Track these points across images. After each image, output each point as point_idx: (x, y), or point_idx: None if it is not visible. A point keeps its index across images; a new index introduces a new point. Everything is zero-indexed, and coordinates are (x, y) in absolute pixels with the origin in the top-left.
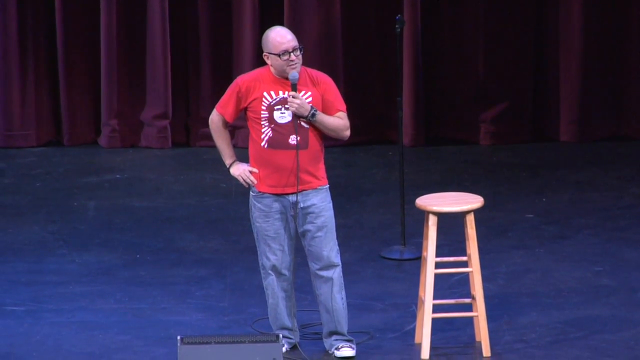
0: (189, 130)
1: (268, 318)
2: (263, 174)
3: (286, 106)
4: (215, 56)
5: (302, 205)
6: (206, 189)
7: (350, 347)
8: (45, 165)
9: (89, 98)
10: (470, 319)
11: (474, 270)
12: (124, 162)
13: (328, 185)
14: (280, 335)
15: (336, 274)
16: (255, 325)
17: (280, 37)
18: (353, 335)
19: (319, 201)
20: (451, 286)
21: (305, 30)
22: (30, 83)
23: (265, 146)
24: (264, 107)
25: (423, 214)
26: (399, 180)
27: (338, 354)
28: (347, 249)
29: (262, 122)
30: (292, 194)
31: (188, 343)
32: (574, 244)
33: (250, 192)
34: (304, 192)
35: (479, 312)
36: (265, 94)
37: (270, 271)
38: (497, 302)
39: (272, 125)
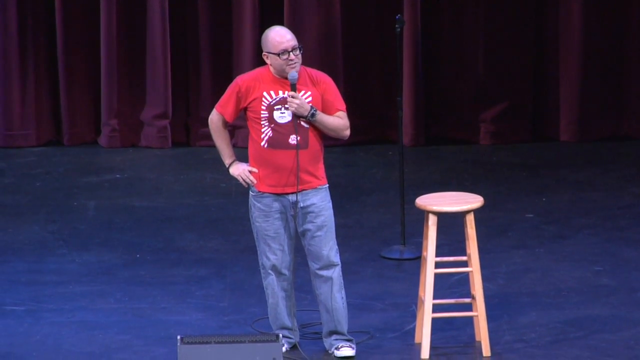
0: (189, 130)
1: (268, 318)
2: (263, 174)
3: (286, 106)
4: (215, 56)
5: (301, 205)
6: (206, 189)
7: (350, 346)
8: (45, 165)
9: (89, 98)
10: (470, 318)
11: (474, 270)
12: (124, 161)
13: (328, 185)
14: (280, 335)
15: (336, 273)
16: (255, 325)
17: (279, 36)
18: (353, 335)
19: (319, 200)
20: (451, 286)
21: (305, 30)
22: (30, 83)
23: (265, 146)
24: (263, 107)
25: (423, 214)
26: (399, 180)
27: (338, 353)
28: (347, 249)
29: (262, 122)
30: (292, 193)
31: (188, 343)
32: (573, 244)
33: (250, 192)
34: (304, 191)
35: (479, 312)
36: (265, 93)
37: (270, 271)
38: (497, 302)
39: (272, 125)
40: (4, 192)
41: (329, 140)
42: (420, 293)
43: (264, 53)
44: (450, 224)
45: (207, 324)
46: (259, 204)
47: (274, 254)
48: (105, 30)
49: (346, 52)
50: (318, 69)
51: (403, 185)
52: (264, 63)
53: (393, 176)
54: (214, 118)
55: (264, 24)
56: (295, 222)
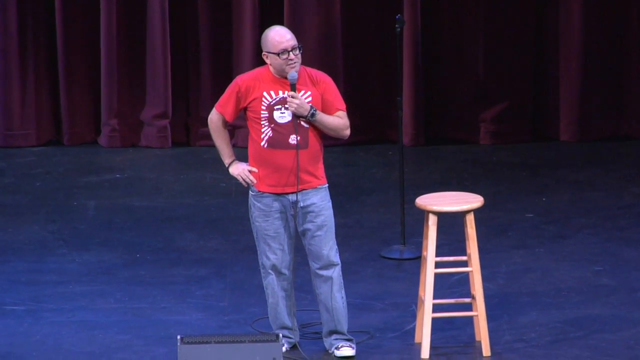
0: (189, 129)
1: (268, 317)
2: (263, 174)
3: (286, 106)
4: (215, 56)
5: (301, 205)
6: (206, 189)
7: (350, 346)
8: (45, 164)
9: (89, 98)
10: (470, 318)
11: (474, 269)
12: (124, 161)
13: (327, 185)
14: (280, 335)
15: (336, 273)
16: (255, 324)
17: (279, 36)
18: (353, 335)
19: (319, 200)
20: (451, 286)
21: (305, 30)
22: (30, 83)
23: (265, 146)
24: (263, 107)
25: (423, 214)
26: (399, 179)
27: (338, 353)
28: (347, 249)
29: (262, 122)
30: (292, 193)
31: (188, 342)
32: (573, 244)
33: (250, 192)
34: (304, 191)
35: (479, 312)
36: (265, 93)
37: (270, 270)
38: (497, 302)
39: (272, 125)
40: (4, 192)
41: (328, 140)
42: (420, 293)
43: (263, 53)
44: (450, 223)
45: (207, 324)
46: (258, 204)
47: (274, 253)
48: (105, 30)
49: (346, 52)
50: (318, 69)
51: (403, 185)
52: (264, 63)
53: (393, 176)
54: (214, 118)
55: (264, 24)
56: (295, 222)
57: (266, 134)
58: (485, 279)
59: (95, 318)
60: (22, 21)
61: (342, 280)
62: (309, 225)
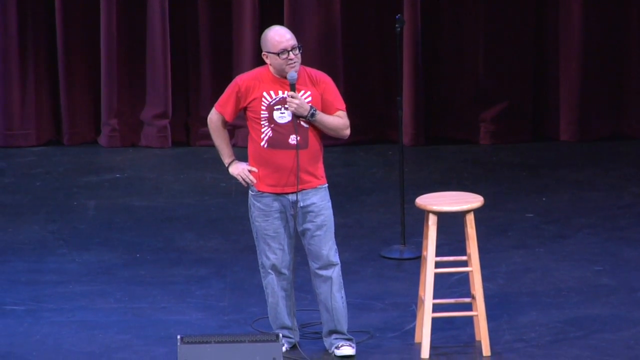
0: (189, 129)
1: (268, 317)
2: (263, 174)
3: (286, 106)
4: (215, 56)
5: (301, 205)
6: (206, 189)
7: (350, 345)
8: (45, 164)
9: (89, 98)
10: (470, 318)
11: (474, 269)
12: (124, 161)
13: (327, 185)
14: (280, 335)
15: (335, 273)
16: (255, 324)
17: (279, 36)
18: (353, 335)
19: (319, 200)
20: (451, 285)
21: (305, 30)
22: (30, 83)
23: (265, 146)
24: (263, 107)
25: (423, 214)
26: (399, 179)
27: (338, 352)
28: (347, 249)
29: (262, 122)
30: (291, 193)
31: (188, 342)
32: (573, 244)
33: (250, 192)
34: (304, 191)
35: (479, 312)
36: (264, 93)
37: (270, 270)
38: (497, 302)
39: (272, 125)
40: (4, 191)
41: (328, 140)
42: (420, 293)
43: (263, 53)
44: (450, 223)
45: (207, 324)
46: (258, 204)
47: (273, 253)
48: (105, 30)
49: (346, 52)
50: (318, 68)
51: (403, 185)
52: (264, 63)
53: (393, 176)
54: (213, 117)
55: (264, 24)
56: (295, 222)
57: (266, 134)
58: (485, 278)
59: (95, 318)
60: (22, 21)
61: (341, 280)
62: (308, 225)
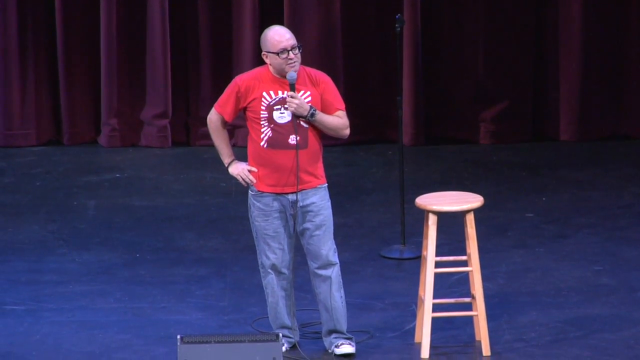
0: (188, 129)
1: (268, 317)
2: (262, 174)
3: (285, 106)
4: (215, 56)
5: (301, 204)
6: (206, 188)
7: (350, 344)
8: (45, 164)
9: (89, 97)
10: (470, 318)
11: (474, 269)
12: (124, 161)
13: (327, 184)
14: (280, 335)
15: (334, 272)
16: (255, 324)
17: (278, 35)
18: (353, 335)
19: (318, 200)
20: (451, 285)
21: (305, 30)
22: (30, 83)
23: (265, 146)
24: (263, 107)
25: (423, 213)
26: (399, 179)
27: (338, 351)
28: (347, 248)
29: (262, 122)
30: (291, 193)
31: (188, 342)
32: (573, 243)
33: (249, 191)
34: (303, 191)
35: (479, 312)
36: (264, 93)
37: (269, 270)
38: (496, 302)
39: (272, 125)
40: (4, 191)
41: (328, 139)
42: (420, 292)
43: (263, 52)
44: (450, 223)
45: (207, 324)
46: (258, 204)
47: (273, 253)
48: (105, 30)
49: (346, 52)
50: (318, 68)
51: (403, 185)
52: (264, 63)
53: (393, 176)
54: (213, 118)
55: (264, 24)
56: (295, 221)
57: (266, 134)
58: (485, 278)
59: (95, 318)
60: (22, 21)
61: (341, 280)
62: (307, 225)
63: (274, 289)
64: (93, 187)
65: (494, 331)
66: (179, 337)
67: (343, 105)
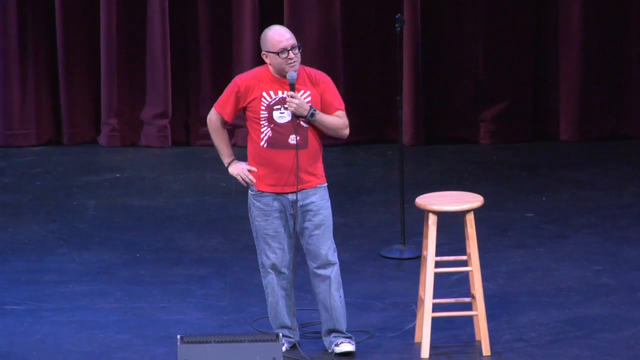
0: (188, 129)
1: (268, 317)
2: (262, 174)
3: (285, 106)
4: (215, 56)
5: (300, 204)
6: (206, 188)
7: (350, 342)
8: (45, 164)
9: (89, 97)
10: (470, 318)
11: (474, 269)
12: (123, 161)
13: (327, 184)
14: (280, 334)
15: (334, 272)
16: (255, 324)
17: (278, 35)
18: (353, 334)
19: (318, 199)
20: (451, 285)
21: (305, 30)
22: (30, 83)
23: (265, 146)
24: (263, 107)
25: (423, 213)
26: (399, 179)
27: (337, 349)
28: (347, 248)
29: (262, 122)
30: (291, 192)
31: (188, 342)
32: (573, 243)
33: (249, 191)
34: (303, 190)
35: (479, 311)
36: (264, 93)
37: (269, 270)
38: (496, 301)
39: (272, 125)
40: (4, 191)
41: (328, 139)
42: (420, 292)
43: (263, 52)
44: (450, 223)
45: (207, 323)
46: (258, 203)
47: (273, 252)
48: (105, 30)
49: (346, 52)
50: (318, 68)
51: (403, 185)
52: (264, 63)
53: (393, 175)
54: (213, 118)
55: (264, 24)
56: (295, 222)
57: (266, 134)
58: (485, 278)
59: (95, 318)
60: (22, 21)
61: (340, 280)
62: (306, 224)
63: (274, 288)
64: (93, 187)
65: (494, 331)
66: (179, 337)
67: (343, 105)
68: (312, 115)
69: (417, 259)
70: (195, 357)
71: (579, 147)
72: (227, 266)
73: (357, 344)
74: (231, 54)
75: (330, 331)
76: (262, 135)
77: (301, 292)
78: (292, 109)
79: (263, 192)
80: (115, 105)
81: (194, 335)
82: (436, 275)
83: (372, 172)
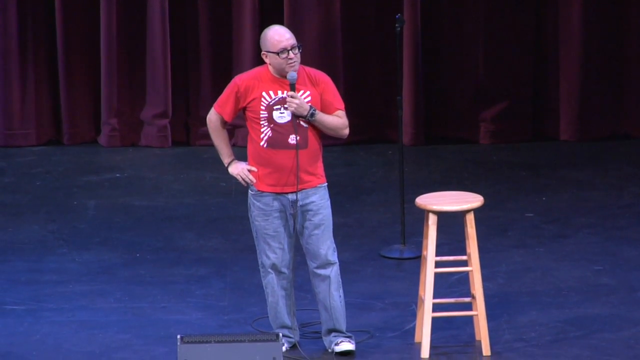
0: (188, 129)
1: (268, 317)
2: (262, 173)
3: (285, 106)
4: (215, 56)
5: (300, 203)
6: (206, 188)
7: (350, 341)
8: (45, 164)
9: (89, 97)
10: (470, 318)
11: (474, 269)
12: (123, 161)
13: (327, 184)
14: (280, 334)
15: (333, 272)
16: (255, 324)
17: (278, 35)
18: (353, 334)
19: (318, 199)
20: (451, 285)
21: (305, 30)
22: (30, 83)
23: (265, 146)
24: (263, 107)
25: (423, 213)
26: (399, 179)
27: (337, 349)
28: (347, 248)
29: (262, 122)
30: (291, 192)
31: (188, 342)
32: (573, 243)
33: (249, 191)
34: (303, 190)
35: (479, 311)
36: (264, 93)
37: (269, 269)
38: (496, 301)
39: (272, 125)
40: (4, 191)
41: (328, 139)
42: (420, 292)
43: (263, 52)
44: (450, 223)
45: (207, 323)
46: (258, 203)
47: (273, 252)
48: (105, 30)
49: (346, 52)
50: (318, 68)
51: (403, 185)
52: (264, 63)
53: (393, 175)
54: (213, 118)
55: (264, 24)
56: (295, 222)
57: (265, 134)
58: (485, 278)
59: (95, 317)
60: (22, 21)
61: (340, 279)
62: (306, 224)
63: (274, 288)
64: (93, 187)
65: (494, 331)
66: (179, 337)
67: (342, 105)
68: (312, 115)
69: (417, 259)
70: (195, 357)
71: (579, 147)
72: (227, 266)
73: (357, 344)
74: (231, 54)
75: (330, 331)
76: (262, 135)
77: (301, 292)
78: (292, 109)
79: (263, 192)
80: (115, 105)
81: (194, 335)
82: (436, 275)
83: (372, 172)
